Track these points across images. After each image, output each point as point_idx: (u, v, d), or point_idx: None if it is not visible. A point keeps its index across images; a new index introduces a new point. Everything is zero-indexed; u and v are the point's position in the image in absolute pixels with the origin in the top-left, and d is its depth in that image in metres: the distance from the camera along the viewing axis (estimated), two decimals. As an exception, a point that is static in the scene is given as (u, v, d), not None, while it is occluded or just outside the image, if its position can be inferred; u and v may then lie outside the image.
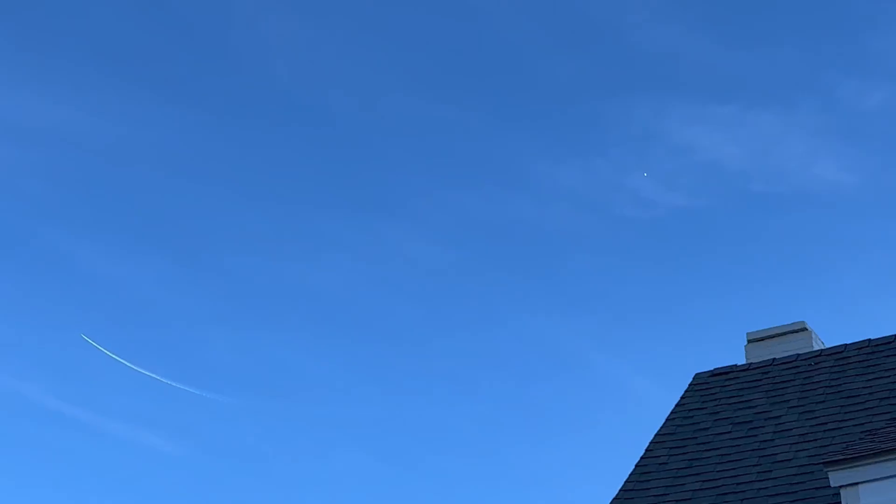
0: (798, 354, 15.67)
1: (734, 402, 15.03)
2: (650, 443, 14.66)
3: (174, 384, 32.87)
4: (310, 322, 38.86)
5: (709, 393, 15.55)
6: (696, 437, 14.45)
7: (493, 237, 38.77)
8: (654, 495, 13.44)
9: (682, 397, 15.71)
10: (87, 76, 38.56)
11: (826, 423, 13.69)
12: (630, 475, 14.08)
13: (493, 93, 39.40)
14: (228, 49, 38.85)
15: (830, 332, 16.55)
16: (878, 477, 11.02)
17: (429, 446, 37.72)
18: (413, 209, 39.12)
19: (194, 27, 38.66)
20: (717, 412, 14.94)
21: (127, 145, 38.39)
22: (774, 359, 15.76)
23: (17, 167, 37.64)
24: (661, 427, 15.00)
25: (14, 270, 37.89)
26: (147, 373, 31.90)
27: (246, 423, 36.91)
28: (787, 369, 15.40)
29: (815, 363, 15.29)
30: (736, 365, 16.06)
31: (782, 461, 13.12)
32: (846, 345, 15.50)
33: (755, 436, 13.97)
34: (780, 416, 14.23)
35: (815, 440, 13.36)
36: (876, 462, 11.03)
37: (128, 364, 31.41)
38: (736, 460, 13.53)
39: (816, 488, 12.22)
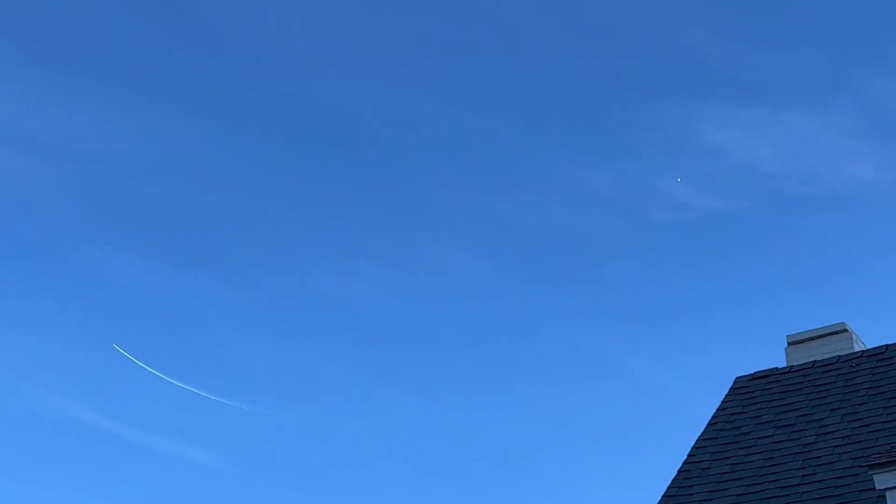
0: (839, 356, 15.57)
1: (776, 406, 14.95)
2: (692, 448, 14.60)
3: (208, 395, 33.00)
4: (345, 332, 38.97)
5: (750, 396, 15.47)
6: (738, 442, 14.38)
7: (527, 244, 38.75)
8: (697, 501, 13.38)
9: (722, 401, 15.64)
10: (123, 96, 38.84)
11: (870, 425, 13.59)
12: (672, 481, 14.02)
13: (525, 100, 39.41)
14: (260, 65, 39.04)
15: (871, 333, 16.44)
16: (923, 478, 10.92)
17: (466, 453, 37.72)
18: (446, 218, 39.18)
19: (225, 45, 38.87)
20: (759, 416, 14.86)
21: (162, 162, 38.64)
22: (815, 361, 15.66)
23: (55, 185, 37.96)
24: (703, 432, 14.93)
25: (55, 287, 38.22)
26: (179, 384, 32.07)
27: (284, 434, 37.03)
28: (828, 371, 15.30)
29: (857, 364, 15.18)
30: (776, 368, 15.97)
31: (826, 464, 13.03)
32: (888, 345, 15.38)
33: (798, 439, 13.88)
34: (823, 419, 14.13)
35: (859, 442, 13.26)
36: (921, 463, 10.93)
37: (160, 375, 31.62)
38: (779, 464, 13.46)
39: (861, 491, 12.13)
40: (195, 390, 32.77)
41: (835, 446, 13.35)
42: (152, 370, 31.57)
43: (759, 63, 38.05)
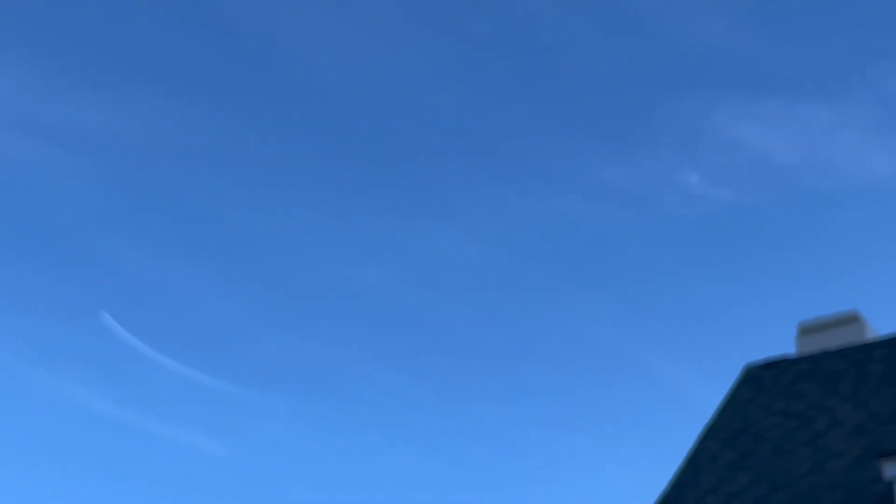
0: (851, 344, 15.35)
1: (786, 394, 14.74)
2: (700, 436, 14.41)
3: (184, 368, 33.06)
4: (358, 323, 38.85)
5: (760, 385, 15.27)
6: (747, 430, 14.18)
7: (541, 236, 38.56)
8: (705, 489, 13.18)
9: (732, 389, 15.44)
10: (137, 85, 38.75)
11: (881, 415, 13.37)
12: (680, 469, 13.83)
13: (541, 92, 39.20)
14: (275, 57, 38.91)
15: (884, 321, 16.23)
16: (935, 467, 10.71)
17: (477, 443, 37.57)
18: (460, 209, 38.99)
19: (239, 32, 38.74)
20: (769, 404, 14.66)
21: (175, 150, 38.55)
22: (827, 349, 15.45)
23: (70, 174, 37.90)
24: (712, 420, 14.74)
25: (64, 274, 38.16)
26: (167, 358, 32.15)
27: (294, 423, 36.95)
28: (839, 359, 15.09)
29: (869, 353, 14.96)
30: (787, 356, 15.76)
31: (836, 453, 12.82)
32: (901, 334, 15.17)
33: (808, 428, 13.68)
34: (834, 408, 13.92)
35: (870, 432, 13.05)
36: (933, 452, 10.72)
37: (148, 349, 31.73)
38: (788, 452, 13.26)
39: (871, 480, 11.92)
40: (179, 364, 32.90)
41: (845, 435, 13.14)
42: (136, 340, 31.75)
43: (777, 57, 37.80)
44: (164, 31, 38.27)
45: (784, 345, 16.23)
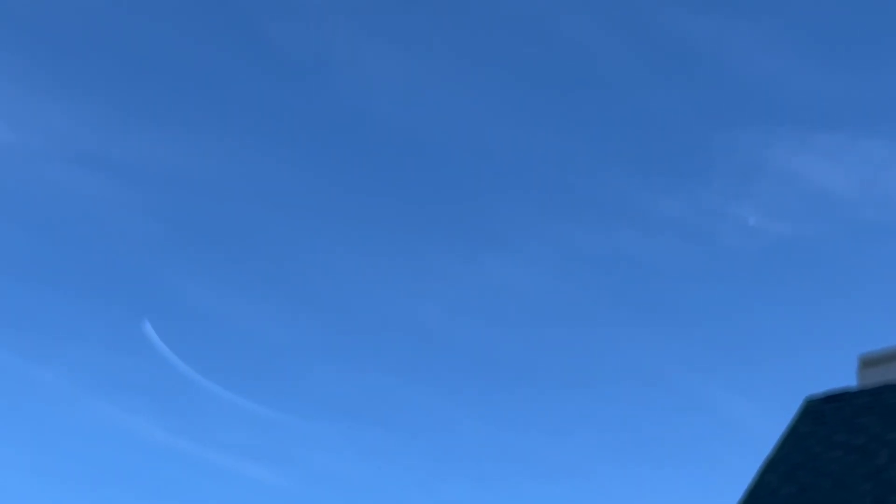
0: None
1: (847, 427, 14.63)
2: (760, 469, 14.33)
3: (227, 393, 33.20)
4: (414, 356, 38.98)
5: (820, 418, 15.16)
6: (807, 464, 14.09)
7: (599, 269, 38.53)
8: (765, 523, 13.12)
9: (793, 423, 15.35)
10: (194, 119, 39.25)
11: (943, 448, 13.26)
12: (740, 502, 13.77)
13: (597, 125, 39.25)
14: (329, 88, 39.27)
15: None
16: None
17: (536, 477, 37.47)
18: (518, 243, 39.05)
19: (296, 68, 39.16)
20: (830, 437, 14.55)
21: (233, 185, 38.98)
22: (888, 382, 15.32)
23: (129, 207, 38.41)
24: (772, 453, 14.66)
25: (125, 306, 38.61)
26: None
27: (351, 455, 37.10)
28: (901, 392, 14.96)
29: (931, 386, 14.84)
30: (848, 389, 15.65)
31: (898, 487, 12.71)
32: (963, 366, 15.02)
33: (869, 461, 13.56)
34: (895, 441, 13.80)
35: (933, 465, 12.94)
36: None
37: (183, 364, 31.98)
38: (849, 487, 13.15)
39: (934, 514, 11.82)
40: (206, 379, 33.12)
41: (907, 469, 13.03)
42: (172, 354, 32.07)
43: (835, 89, 37.62)
44: (222, 67, 38.81)
45: (845, 378, 16.07)
